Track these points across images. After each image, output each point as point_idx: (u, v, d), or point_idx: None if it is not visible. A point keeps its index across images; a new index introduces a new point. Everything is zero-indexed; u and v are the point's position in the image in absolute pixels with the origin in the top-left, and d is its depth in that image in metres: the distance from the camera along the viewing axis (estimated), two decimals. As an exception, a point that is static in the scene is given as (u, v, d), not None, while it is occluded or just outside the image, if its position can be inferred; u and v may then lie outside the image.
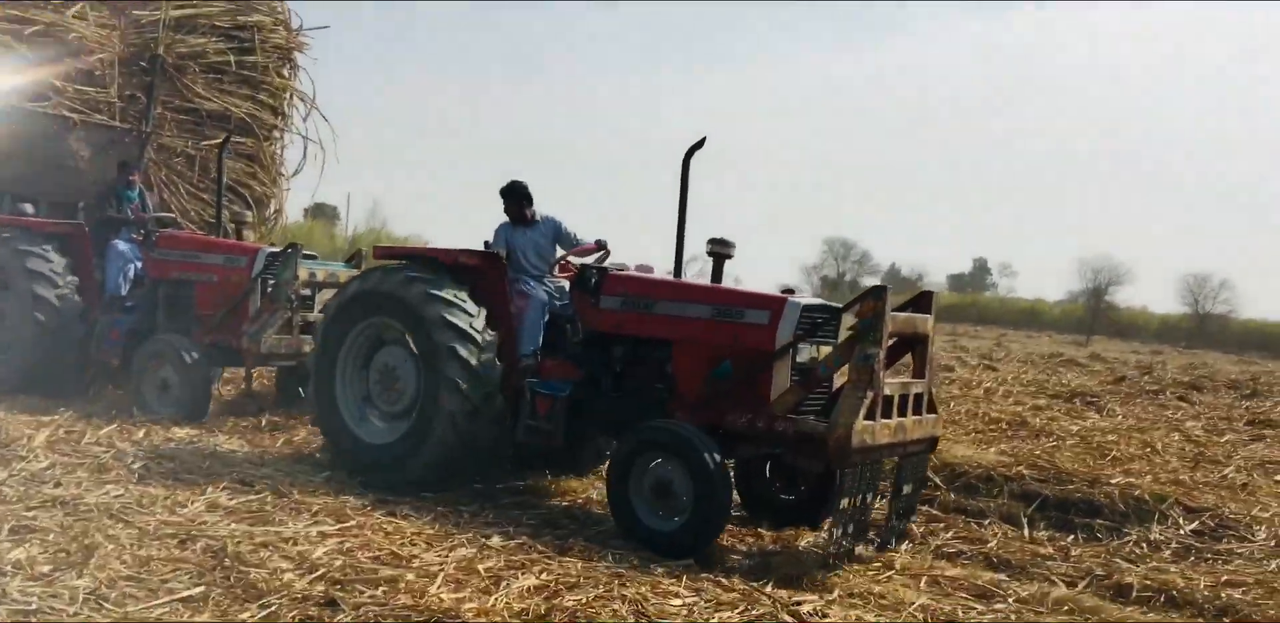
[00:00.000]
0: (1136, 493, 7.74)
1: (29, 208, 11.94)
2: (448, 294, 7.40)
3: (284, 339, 9.60)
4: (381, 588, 4.81)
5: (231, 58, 14.59)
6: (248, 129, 14.96)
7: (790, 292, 7.19)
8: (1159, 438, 10.65)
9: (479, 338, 7.34)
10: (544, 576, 5.23)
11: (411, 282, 7.52)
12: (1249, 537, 7.12)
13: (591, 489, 8.02)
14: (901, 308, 6.61)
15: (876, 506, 6.69)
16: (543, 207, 8.38)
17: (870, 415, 5.95)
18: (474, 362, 7.26)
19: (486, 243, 8.35)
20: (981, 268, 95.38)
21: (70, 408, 9.32)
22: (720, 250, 7.22)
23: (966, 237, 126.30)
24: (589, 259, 8.09)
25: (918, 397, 6.56)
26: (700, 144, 7.06)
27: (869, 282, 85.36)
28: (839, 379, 6.63)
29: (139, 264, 11.10)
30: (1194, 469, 9.19)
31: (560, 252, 8.36)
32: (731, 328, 6.69)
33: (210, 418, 9.68)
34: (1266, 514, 7.52)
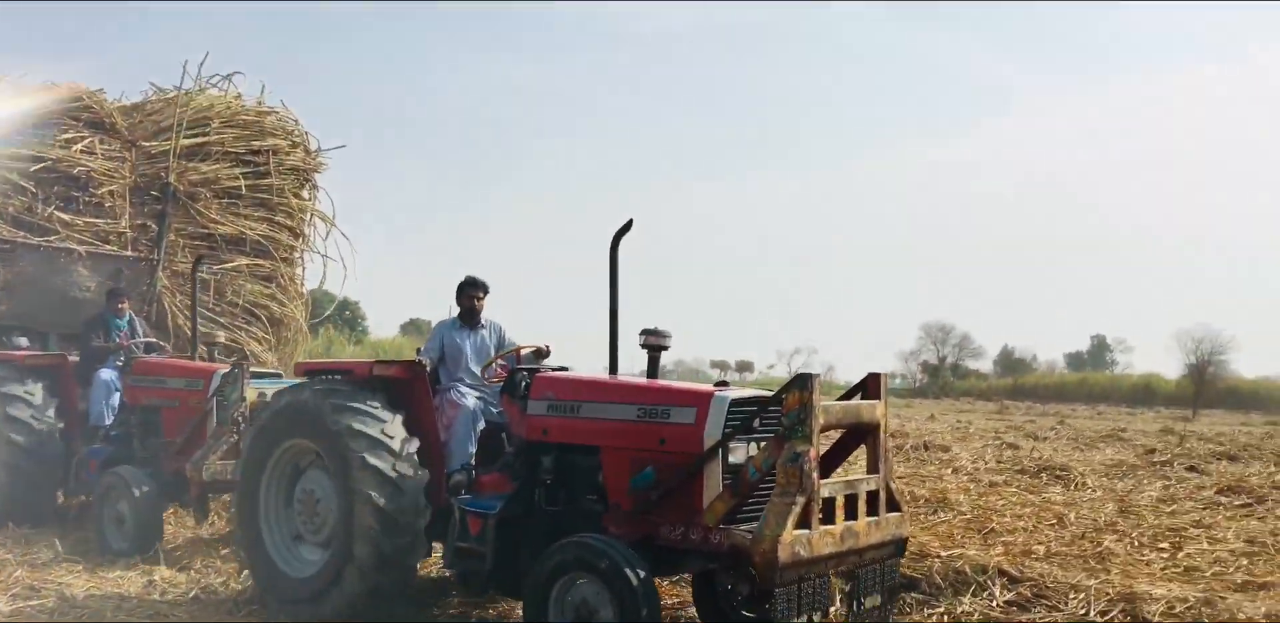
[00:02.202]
0: (958, 565, 7.38)
1: (24, 341, 11.92)
2: (358, 404, 6.90)
3: (230, 465, 9.06)
4: None
5: (244, 183, 14.69)
6: (265, 251, 14.97)
7: (724, 384, 6.44)
8: (1085, 511, 10.33)
9: (393, 445, 6.71)
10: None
11: (322, 395, 7.06)
12: (1059, 606, 6.80)
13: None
14: (849, 394, 5.96)
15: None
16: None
17: (804, 524, 5.24)
18: (389, 471, 6.61)
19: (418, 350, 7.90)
20: (1100, 345, 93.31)
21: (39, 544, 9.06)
22: (655, 342, 6.60)
23: (1077, 315, 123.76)
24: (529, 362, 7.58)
25: (871, 495, 5.80)
26: (627, 227, 6.60)
27: (973, 366, 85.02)
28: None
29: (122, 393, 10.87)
30: (1071, 542, 8.81)
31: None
32: (657, 429, 6.01)
33: (173, 553, 9.14)
34: (1092, 582, 7.07)
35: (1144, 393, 65.60)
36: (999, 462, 14.18)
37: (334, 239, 16.10)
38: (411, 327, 53.78)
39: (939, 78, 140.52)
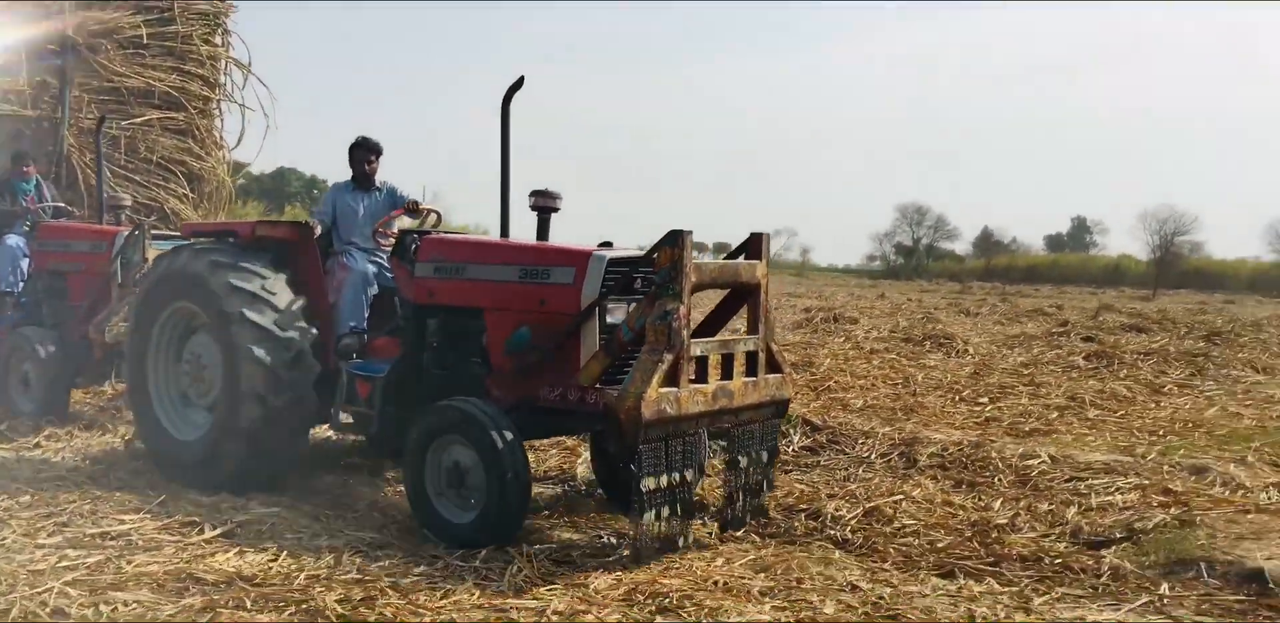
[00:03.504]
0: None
1: None
2: (240, 263, 6.57)
3: None
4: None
5: (146, 31, 13.74)
6: (176, 103, 14.14)
7: (607, 245, 6.16)
8: (937, 374, 10.72)
9: (274, 302, 6.43)
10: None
11: (202, 254, 6.73)
12: (846, 450, 7.28)
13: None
14: (733, 255, 5.79)
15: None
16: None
17: (672, 381, 5.06)
18: (270, 327, 6.34)
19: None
20: (1080, 227, 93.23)
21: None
22: (544, 203, 6.31)
23: (1058, 197, 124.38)
24: (420, 223, 7.27)
25: (750, 355, 5.62)
26: (519, 85, 6.17)
27: (948, 247, 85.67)
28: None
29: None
30: (897, 398, 9.42)
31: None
32: (538, 290, 5.83)
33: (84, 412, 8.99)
34: (884, 429, 7.65)
35: (1114, 274, 66.55)
36: (891, 332, 14.43)
37: (253, 89, 15.20)
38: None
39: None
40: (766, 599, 4.20)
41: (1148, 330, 17.08)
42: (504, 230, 6.46)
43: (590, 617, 4.02)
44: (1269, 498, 5.75)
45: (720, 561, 4.92)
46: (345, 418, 6.61)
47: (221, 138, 15.03)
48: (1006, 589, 4.43)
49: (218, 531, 5.21)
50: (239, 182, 16.74)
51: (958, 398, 9.44)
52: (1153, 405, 9.36)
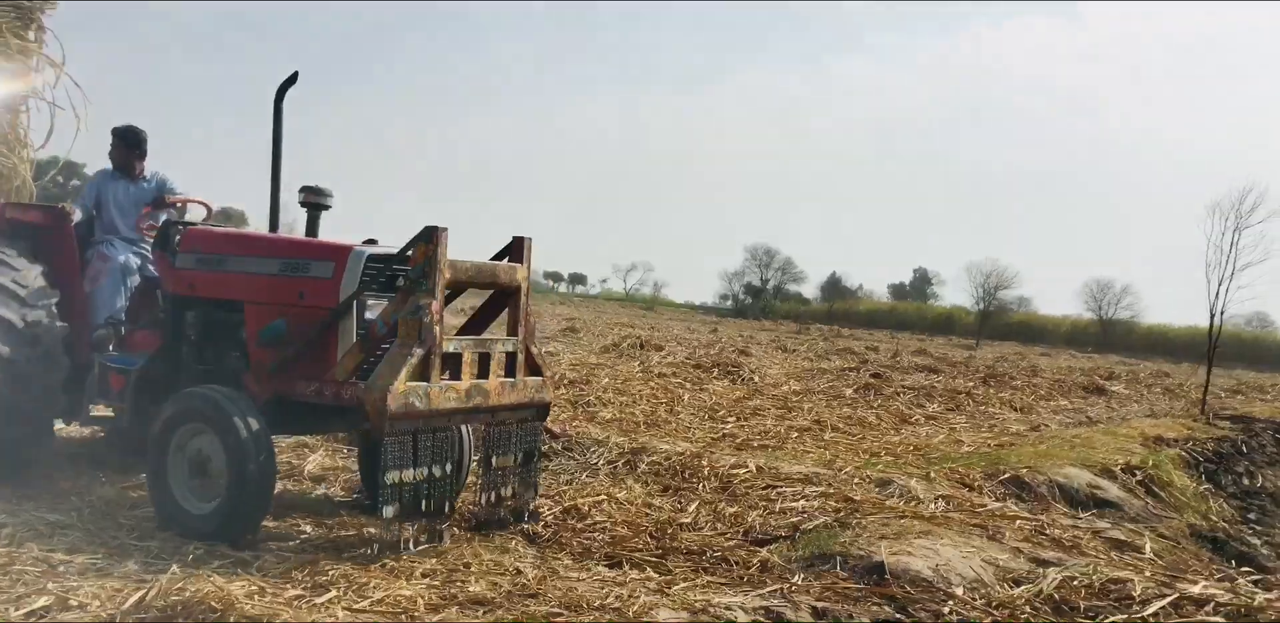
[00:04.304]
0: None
1: None
2: None
3: None
4: None
5: (-56, 19, 13.33)
6: (-22, 96, 13.75)
7: (372, 242, 6.20)
8: (706, 396, 11.54)
9: (23, 295, 6.19)
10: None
11: None
12: (577, 456, 7.77)
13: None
14: (498, 257, 5.84)
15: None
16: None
17: (423, 376, 5.14)
18: (17, 321, 6.10)
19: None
20: (923, 277, 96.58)
21: None
22: (314, 200, 6.36)
23: (903, 248, 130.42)
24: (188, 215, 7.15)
25: (510, 356, 5.73)
26: (292, 80, 6.26)
27: (795, 290, 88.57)
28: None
29: None
30: (653, 414, 10.14)
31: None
32: (297, 284, 5.81)
33: None
34: (618, 440, 8.04)
35: (945, 323, 69.53)
36: (687, 359, 15.16)
37: (65, 89, 14.89)
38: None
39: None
40: (424, 579, 4.50)
41: (939, 371, 18.11)
42: (273, 224, 6.53)
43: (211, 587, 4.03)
44: (934, 508, 6.36)
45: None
46: (97, 412, 6.47)
47: (27, 136, 14.68)
48: (659, 577, 4.82)
49: None
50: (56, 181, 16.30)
51: (709, 417, 9.99)
52: (892, 432, 10.09)
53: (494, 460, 5.71)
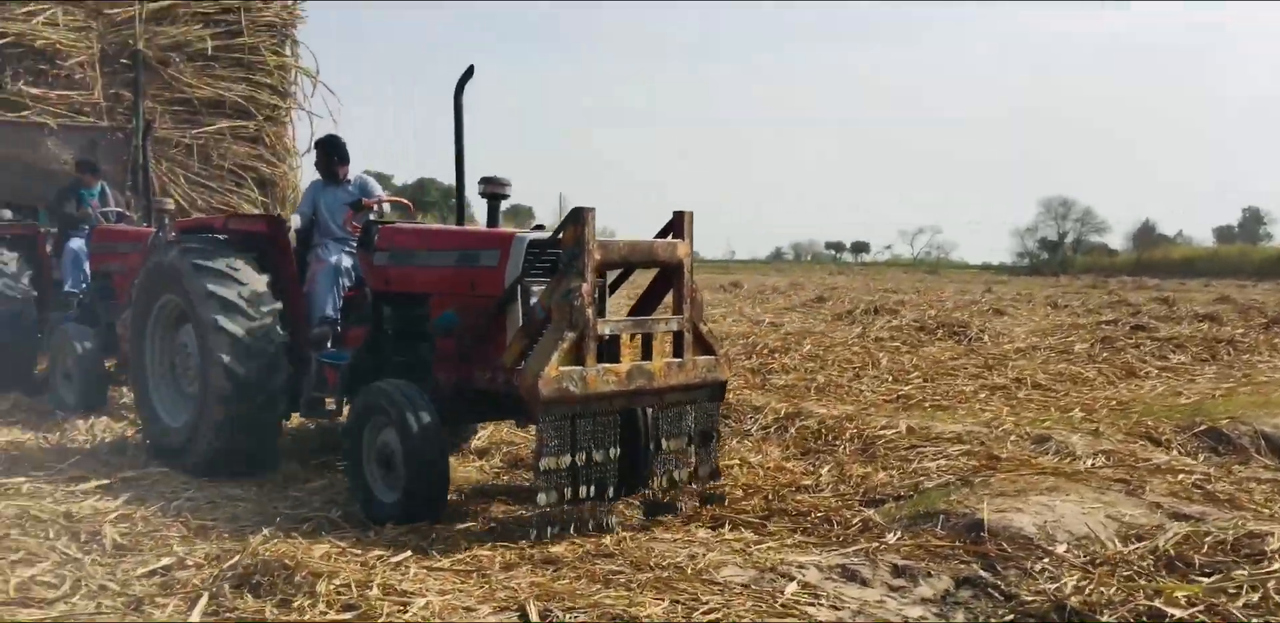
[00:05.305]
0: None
1: (7, 214, 12.46)
2: (218, 264, 6.83)
3: None
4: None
5: (209, 43, 14.74)
6: (247, 111, 15.16)
7: (540, 228, 6.36)
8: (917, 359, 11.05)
9: (248, 309, 6.69)
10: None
11: (184, 254, 7.01)
12: (733, 424, 7.65)
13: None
14: (661, 234, 5.72)
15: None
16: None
17: (577, 360, 5.07)
18: (242, 335, 6.59)
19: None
20: (1254, 218, 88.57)
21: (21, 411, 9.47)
22: (493, 190, 6.47)
23: (1229, 187, 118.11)
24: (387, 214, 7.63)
25: (676, 336, 5.57)
26: (469, 74, 6.49)
27: (1097, 241, 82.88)
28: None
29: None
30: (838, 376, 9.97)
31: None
32: (470, 274, 6.00)
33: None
34: (778, 405, 7.96)
35: (1276, 266, 60.38)
36: (913, 322, 14.57)
37: (321, 95, 16.16)
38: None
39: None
40: (511, 541, 4.77)
41: (1219, 319, 16.49)
42: (460, 218, 6.77)
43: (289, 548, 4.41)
44: (1088, 464, 5.99)
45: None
46: (317, 405, 6.85)
47: (293, 144, 16.02)
48: (752, 537, 4.85)
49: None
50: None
51: (894, 380, 9.70)
52: (1106, 387, 9.44)
53: (665, 444, 5.53)
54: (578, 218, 5.13)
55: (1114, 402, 8.52)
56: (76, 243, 11.46)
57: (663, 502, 5.56)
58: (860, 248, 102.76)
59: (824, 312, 16.98)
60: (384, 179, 49.47)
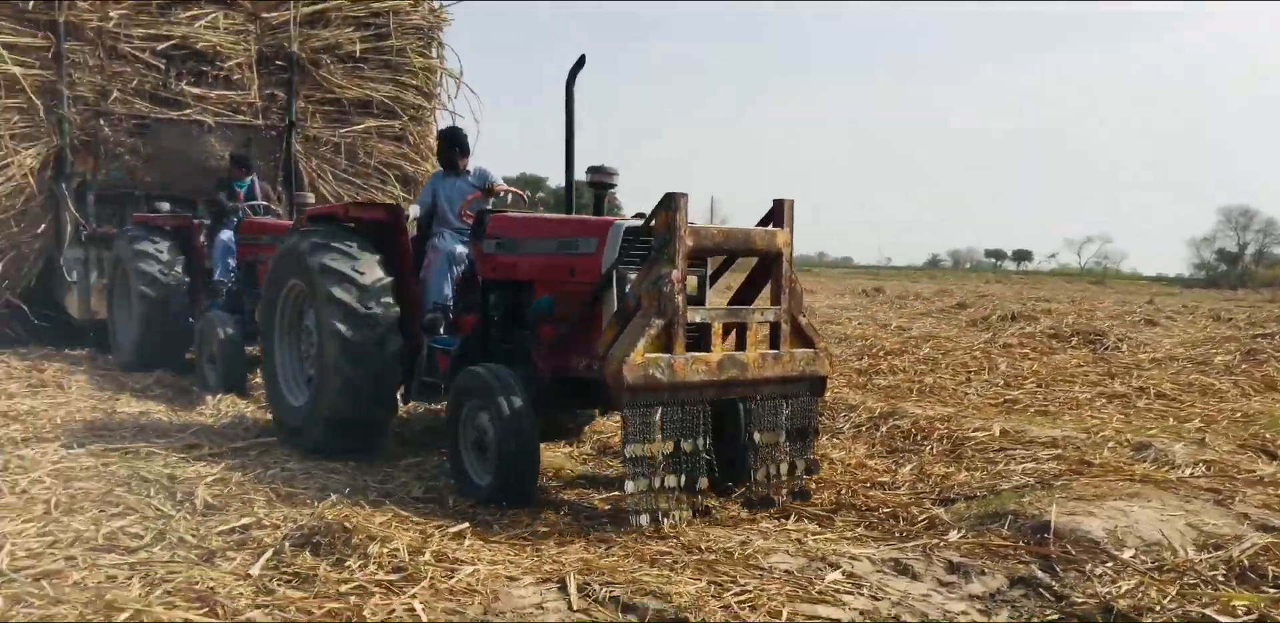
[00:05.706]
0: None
1: (165, 206, 13.24)
2: (335, 244, 7.18)
3: None
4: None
5: (359, 46, 15.36)
6: (393, 111, 15.74)
7: (640, 216, 6.22)
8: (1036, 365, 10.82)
9: (360, 280, 6.93)
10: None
11: (304, 237, 7.40)
12: (827, 422, 7.61)
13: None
14: (762, 223, 5.67)
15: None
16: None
17: (665, 348, 5.02)
18: (356, 306, 6.84)
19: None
20: None
21: (163, 387, 10.13)
22: (601, 180, 6.60)
23: None
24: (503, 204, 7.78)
25: (773, 327, 5.49)
26: (581, 64, 6.56)
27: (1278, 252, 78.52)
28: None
29: (238, 252, 11.98)
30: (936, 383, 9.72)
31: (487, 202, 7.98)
32: (569, 261, 6.06)
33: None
34: (874, 405, 7.98)
35: None
36: (1047, 329, 14.06)
37: (464, 96, 16.59)
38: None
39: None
40: (576, 519, 4.84)
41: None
42: (568, 207, 6.86)
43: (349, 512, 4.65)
44: (1184, 472, 5.72)
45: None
46: (428, 390, 7.04)
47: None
48: (814, 529, 4.84)
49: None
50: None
51: (1005, 385, 9.42)
52: (1240, 400, 8.93)
53: (758, 437, 5.45)
54: (669, 203, 5.07)
55: (1239, 414, 8.10)
56: (226, 234, 12.09)
57: (760, 496, 5.46)
58: (1022, 256, 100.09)
59: (961, 318, 16.56)
60: (537, 182, 50.22)
